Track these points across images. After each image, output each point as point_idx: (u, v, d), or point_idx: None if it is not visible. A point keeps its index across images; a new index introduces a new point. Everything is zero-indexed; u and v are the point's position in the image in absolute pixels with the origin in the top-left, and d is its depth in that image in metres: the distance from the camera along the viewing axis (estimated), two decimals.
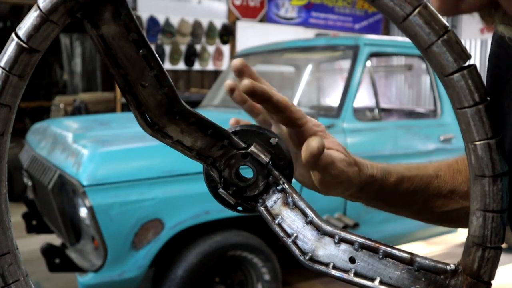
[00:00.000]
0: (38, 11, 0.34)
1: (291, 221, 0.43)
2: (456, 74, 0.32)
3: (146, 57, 0.38)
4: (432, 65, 0.33)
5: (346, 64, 3.00)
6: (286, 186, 0.45)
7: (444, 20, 0.32)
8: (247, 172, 0.46)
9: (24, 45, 0.34)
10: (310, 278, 3.16)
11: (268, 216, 0.44)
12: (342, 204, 2.55)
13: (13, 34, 0.34)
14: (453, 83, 0.32)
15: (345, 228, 2.43)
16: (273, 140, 0.45)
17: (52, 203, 2.24)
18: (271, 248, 2.46)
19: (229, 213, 2.27)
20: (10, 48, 0.34)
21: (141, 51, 0.38)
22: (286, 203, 0.44)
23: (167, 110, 0.41)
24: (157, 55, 0.39)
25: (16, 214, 3.21)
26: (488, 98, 0.32)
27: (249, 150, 0.44)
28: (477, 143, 0.33)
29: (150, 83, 0.39)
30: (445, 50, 0.32)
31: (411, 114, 4.05)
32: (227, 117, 2.84)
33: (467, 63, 0.32)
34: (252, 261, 2.41)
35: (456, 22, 7.82)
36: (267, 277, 2.44)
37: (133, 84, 0.39)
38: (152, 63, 0.39)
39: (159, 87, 0.40)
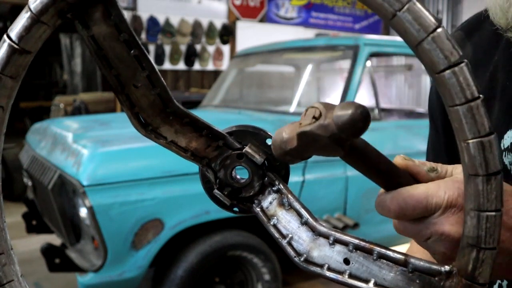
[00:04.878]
0: (29, 12, 0.34)
1: (286, 222, 0.43)
2: (447, 71, 0.31)
3: (138, 58, 0.38)
4: (423, 62, 0.32)
5: (346, 64, 3.00)
6: (282, 187, 0.44)
7: (434, 16, 0.31)
8: (244, 172, 0.45)
9: (15, 46, 0.34)
10: (310, 278, 3.16)
11: (263, 217, 0.44)
12: (342, 204, 2.55)
13: (5, 36, 0.35)
14: (444, 81, 0.31)
15: (345, 228, 2.43)
16: (268, 141, 0.45)
17: (52, 203, 2.24)
18: (271, 248, 2.46)
19: (229, 213, 2.26)
20: (2, 49, 0.34)
21: (132, 51, 0.38)
22: (281, 204, 0.44)
23: (161, 111, 0.41)
24: (148, 56, 0.38)
25: (16, 214, 3.21)
26: (481, 95, 0.31)
27: (243, 150, 0.44)
28: (470, 141, 0.32)
29: (142, 84, 0.39)
30: (435, 47, 0.31)
31: (411, 114, 4.05)
32: (227, 117, 2.83)
33: (458, 60, 0.31)
34: (252, 261, 2.41)
35: (456, 22, 7.83)
36: (267, 277, 2.44)
37: (126, 84, 0.39)
38: (144, 64, 0.38)
39: (151, 87, 0.39)
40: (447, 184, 0.42)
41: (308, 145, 0.36)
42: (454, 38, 0.72)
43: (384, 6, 0.31)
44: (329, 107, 0.35)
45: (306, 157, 0.38)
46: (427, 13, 0.31)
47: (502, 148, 0.61)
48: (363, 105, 0.33)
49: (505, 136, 0.61)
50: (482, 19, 0.66)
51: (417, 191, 0.42)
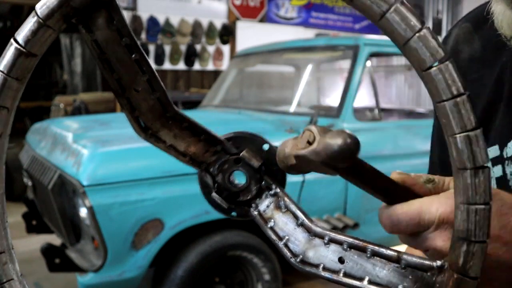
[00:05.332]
0: (35, 17, 0.35)
1: (283, 224, 0.44)
2: (433, 68, 0.32)
3: (139, 62, 0.39)
4: (410, 61, 0.33)
5: (346, 64, 3.00)
6: (278, 191, 0.45)
7: (419, 16, 0.33)
8: (242, 177, 0.47)
9: (22, 49, 0.35)
10: (310, 278, 3.16)
11: (261, 220, 0.45)
12: (342, 204, 2.55)
13: (12, 39, 0.36)
14: (431, 77, 0.32)
15: (345, 228, 2.43)
16: (265, 146, 0.46)
17: (52, 203, 2.25)
18: (271, 248, 2.47)
19: None
20: (9, 52, 0.36)
21: (133, 55, 0.39)
22: (278, 207, 0.45)
23: (160, 115, 0.42)
24: (149, 60, 0.39)
25: (16, 214, 3.21)
26: (466, 91, 0.32)
27: (241, 155, 0.45)
28: (457, 135, 0.33)
29: (143, 88, 0.40)
30: (421, 45, 0.32)
31: (411, 114, 4.05)
32: (227, 117, 2.83)
33: (443, 57, 0.32)
34: (252, 261, 2.41)
35: (456, 21, 7.81)
36: (267, 277, 2.44)
37: (127, 88, 0.40)
38: (144, 68, 0.39)
39: (151, 91, 0.40)
40: (440, 200, 0.42)
41: (305, 165, 0.38)
42: (462, 30, 0.68)
43: (373, 7, 0.32)
44: (323, 132, 0.37)
45: (306, 172, 0.41)
46: (412, 14, 0.32)
47: (505, 156, 0.60)
48: (352, 135, 0.34)
49: (509, 145, 0.59)
50: (490, 11, 0.63)
51: (411, 208, 0.43)
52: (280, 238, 0.43)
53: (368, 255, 0.40)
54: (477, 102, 0.64)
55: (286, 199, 0.45)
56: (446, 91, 0.32)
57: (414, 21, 0.32)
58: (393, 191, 0.44)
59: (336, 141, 0.34)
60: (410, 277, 0.38)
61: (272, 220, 0.44)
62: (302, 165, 0.39)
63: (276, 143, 0.44)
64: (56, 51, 7.66)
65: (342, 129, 0.36)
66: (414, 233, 0.44)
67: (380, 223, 0.45)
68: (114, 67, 0.39)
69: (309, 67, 3.23)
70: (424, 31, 0.32)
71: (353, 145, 0.34)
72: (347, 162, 0.35)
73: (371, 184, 0.42)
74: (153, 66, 0.40)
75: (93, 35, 0.37)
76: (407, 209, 0.43)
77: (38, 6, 0.35)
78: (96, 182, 1.99)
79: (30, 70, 0.36)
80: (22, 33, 0.35)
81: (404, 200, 0.44)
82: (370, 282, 0.39)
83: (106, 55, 0.38)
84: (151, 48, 6.24)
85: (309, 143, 0.37)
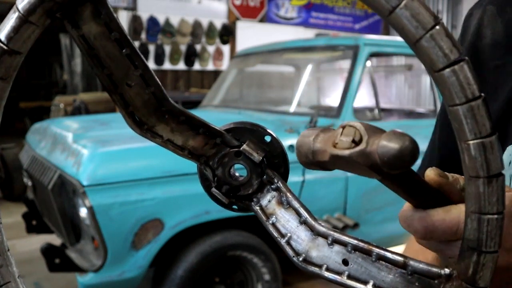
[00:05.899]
0: (16, 13, 0.33)
1: (285, 221, 0.43)
2: (447, 70, 0.30)
3: (130, 56, 0.38)
4: (421, 60, 0.31)
5: (346, 64, 3.00)
6: (281, 185, 0.44)
7: (433, 12, 0.30)
8: (244, 170, 0.45)
9: (4, 47, 0.34)
10: (310, 278, 3.16)
11: (262, 216, 0.43)
12: (342, 204, 2.55)
13: None
14: (444, 79, 0.30)
15: (345, 228, 2.43)
16: (267, 138, 0.44)
17: (52, 203, 2.24)
18: (271, 248, 2.47)
19: (229, 213, 2.28)
20: None
21: (124, 50, 0.37)
22: (280, 202, 0.43)
23: (155, 109, 0.40)
24: (141, 54, 0.38)
25: (16, 214, 3.21)
26: (482, 94, 0.30)
27: (241, 148, 0.43)
28: (470, 142, 0.31)
29: (136, 83, 0.39)
30: (434, 45, 0.30)
31: (411, 114, 4.05)
32: (227, 117, 2.83)
33: (458, 58, 0.30)
34: (252, 261, 2.41)
35: (455, 22, 7.82)
36: (267, 277, 2.44)
37: (119, 84, 0.39)
38: (136, 62, 0.38)
39: (145, 86, 0.39)
40: None
41: (341, 164, 0.35)
42: (486, 13, 0.64)
43: (381, 2, 0.30)
44: (371, 131, 0.33)
45: (331, 170, 0.37)
46: (425, 10, 0.30)
47: None
48: (412, 138, 0.31)
49: None
50: None
51: (450, 216, 0.39)
52: (282, 235, 0.42)
53: (373, 259, 0.38)
54: (499, 91, 0.60)
55: (288, 194, 0.43)
56: (460, 94, 0.30)
57: (427, 17, 0.30)
58: (427, 196, 0.41)
59: (394, 145, 0.31)
60: (416, 283, 0.37)
61: (274, 216, 0.43)
62: (337, 164, 0.35)
63: None
64: (56, 51, 7.67)
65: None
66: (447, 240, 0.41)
67: (406, 227, 0.42)
68: (104, 62, 0.37)
69: (309, 67, 3.23)
70: (438, 28, 0.30)
71: (414, 150, 0.31)
72: (403, 169, 0.31)
73: (410, 188, 0.39)
74: (153, 66, 0.39)
75: (80, 30, 0.36)
76: (444, 217, 0.40)
77: (18, 1, 0.33)
78: (96, 182, 1.99)
79: (15, 68, 0.35)
80: (4, 31, 0.33)
81: (436, 204, 0.41)
82: (375, 286, 0.38)
83: (95, 51, 0.37)
84: (151, 48, 6.24)
85: (355, 142, 0.33)
